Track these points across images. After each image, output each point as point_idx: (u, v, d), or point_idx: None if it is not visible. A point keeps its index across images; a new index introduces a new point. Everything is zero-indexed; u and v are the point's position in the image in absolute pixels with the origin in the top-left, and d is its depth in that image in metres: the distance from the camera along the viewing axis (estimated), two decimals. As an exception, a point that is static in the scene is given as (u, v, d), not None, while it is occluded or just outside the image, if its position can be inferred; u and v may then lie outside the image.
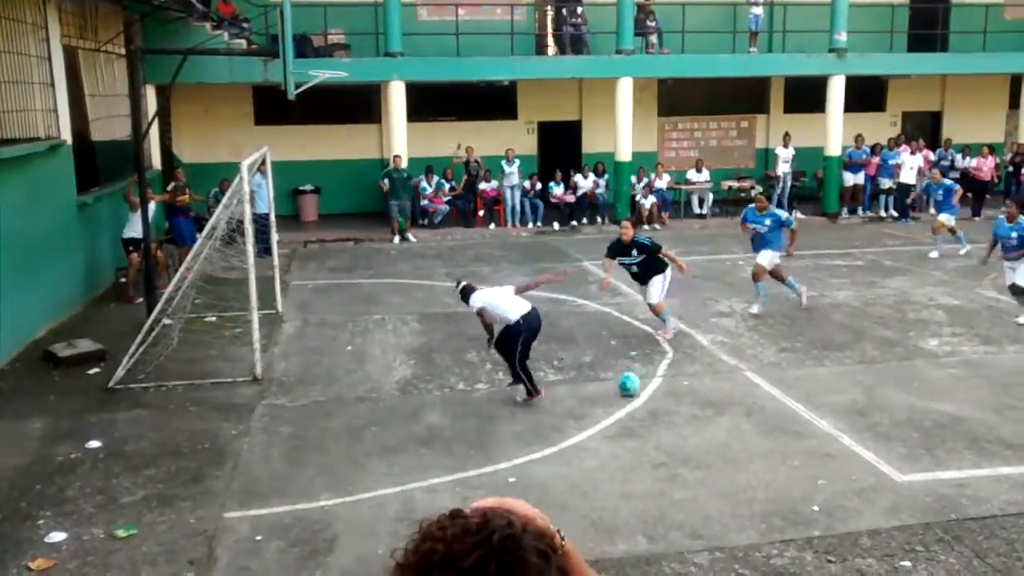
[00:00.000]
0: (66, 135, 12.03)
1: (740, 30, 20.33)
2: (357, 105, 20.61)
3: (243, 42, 16.91)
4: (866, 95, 21.93)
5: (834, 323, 11.03)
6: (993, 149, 20.78)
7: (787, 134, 20.14)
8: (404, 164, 17.86)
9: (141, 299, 11.92)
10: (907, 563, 5.38)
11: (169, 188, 15.05)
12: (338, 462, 6.99)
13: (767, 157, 21.71)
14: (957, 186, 16.02)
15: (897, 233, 18.14)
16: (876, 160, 20.01)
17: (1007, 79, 22.46)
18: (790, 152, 19.85)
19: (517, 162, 19.09)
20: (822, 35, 19.70)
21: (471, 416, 7.99)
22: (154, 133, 16.18)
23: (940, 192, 15.52)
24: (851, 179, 20.03)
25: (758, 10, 20.06)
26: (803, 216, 19.90)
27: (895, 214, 19.77)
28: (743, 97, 22.55)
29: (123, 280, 12.85)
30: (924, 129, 22.88)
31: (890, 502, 6.20)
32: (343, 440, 7.44)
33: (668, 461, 6.93)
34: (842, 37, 19.46)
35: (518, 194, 19.09)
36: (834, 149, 19.91)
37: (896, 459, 6.91)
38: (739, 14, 20.38)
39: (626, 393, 8.41)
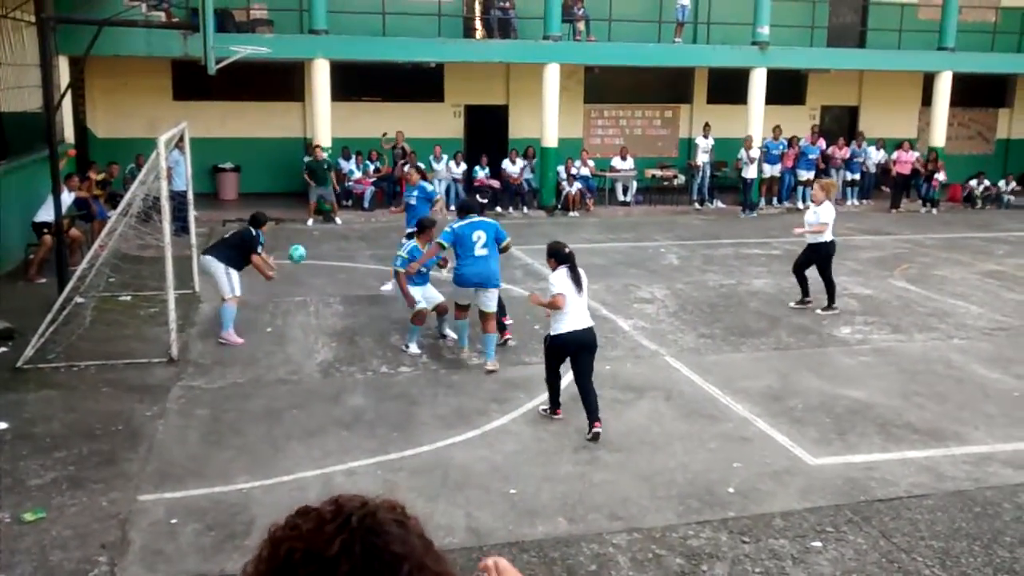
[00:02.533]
0: (-30, 105, 11.54)
1: (666, 20, 20.55)
2: (280, 82, 20.24)
3: (162, 14, 16.37)
4: (786, 88, 22.44)
5: (751, 310, 11.27)
6: (912, 144, 21.45)
7: (707, 124, 20.45)
8: (325, 156, 17.59)
9: (44, 279, 11.57)
10: (818, 543, 5.55)
11: (93, 175, 14.51)
12: (256, 445, 6.88)
13: (690, 146, 22.02)
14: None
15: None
16: (793, 152, 20.48)
17: (920, 77, 23.20)
18: (710, 142, 20.16)
19: (444, 158, 19.02)
20: (746, 28, 20.04)
21: (394, 399, 7.95)
22: (67, 106, 15.61)
23: None
24: (769, 170, 20.46)
25: (685, 1, 20.30)
26: (723, 205, 20.34)
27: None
28: (668, 87, 22.84)
29: (30, 257, 12.37)
30: (841, 123, 23.56)
31: (802, 485, 6.38)
32: (262, 423, 7.33)
33: (589, 444, 7.00)
34: (764, 30, 19.84)
35: (444, 183, 18.98)
36: (755, 141, 20.28)
37: (809, 443, 7.11)
38: (666, 5, 20.59)
39: (294, 260, 10.09)
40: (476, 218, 8.99)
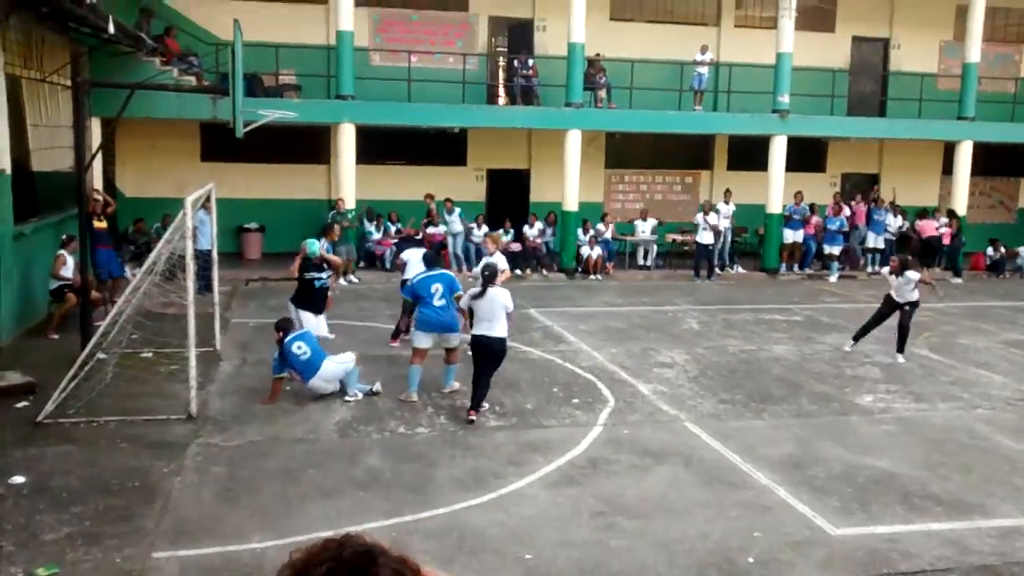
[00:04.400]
0: (5, 164, 11.80)
1: (686, 88, 20.82)
2: (306, 145, 20.58)
3: (192, 78, 16.81)
4: (807, 155, 22.60)
5: (772, 377, 11.19)
6: (953, 213, 21.39)
7: (727, 190, 20.57)
8: (350, 205, 17.84)
9: (57, 336, 11.72)
10: (839, 616, 5.42)
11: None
12: (272, 503, 6.85)
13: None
14: None
15: (835, 291, 18.56)
16: (816, 219, 20.49)
17: (941, 146, 23.30)
18: (730, 208, 20.24)
19: (457, 210, 19.20)
20: (766, 96, 20.26)
21: (410, 460, 7.91)
22: (97, 165, 15.93)
23: None
24: (791, 236, 20.48)
25: (703, 70, 20.61)
26: (744, 271, 20.33)
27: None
28: (688, 153, 23.06)
29: (51, 312, 12.49)
30: (862, 190, 23.57)
31: (823, 555, 6.26)
32: (278, 481, 7.30)
33: (607, 510, 6.92)
34: (785, 99, 20.04)
35: (460, 240, 19.17)
36: (775, 206, 20.39)
37: (830, 512, 7.00)
38: (685, 73, 20.88)
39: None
40: (435, 271, 10.02)
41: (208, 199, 11.94)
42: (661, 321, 14.53)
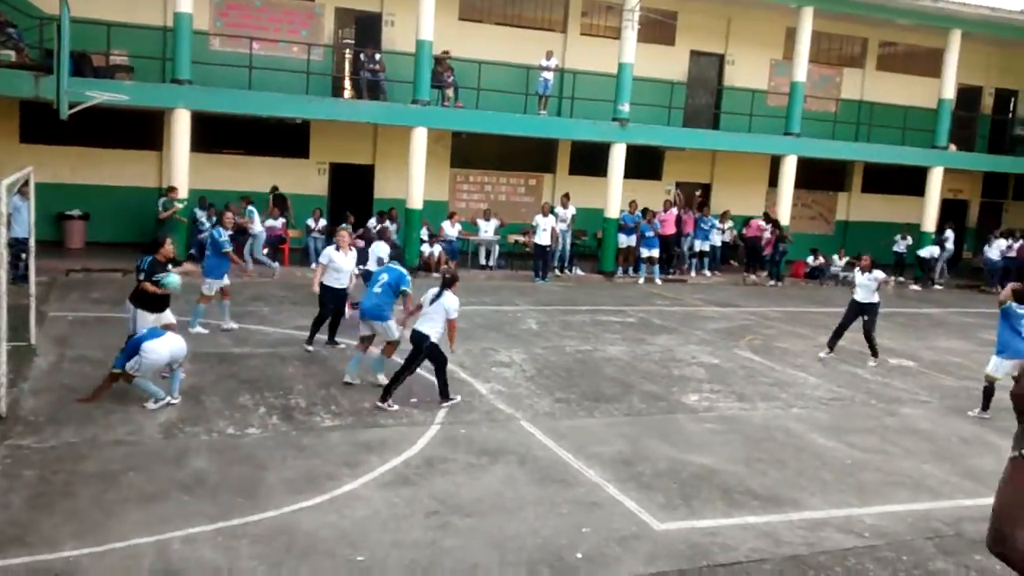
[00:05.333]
0: None
1: (532, 92, 21.15)
2: (137, 131, 19.61)
3: (12, 53, 15.71)
4: (645, 163, 23.42)
5: (605, 376, 11.51)
6: (776, 222, 22.52)
7: (566, 195, 20.99)
8: (183, 195, 17.14)
9: None
10: (661, 608, 5.63)
11: None
12: (88, 509, 6.48)
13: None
14: None
15: (665, 294, 19.28)
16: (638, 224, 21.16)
17: (768, 159, 24.61)
18: (569, 212, 20.64)
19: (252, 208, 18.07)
20: (607, 104, 20.84)
21: (239, 462, 7.66)
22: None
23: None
24: (625, 241, 21.14)
25: (548, 75, 21.00)
26: (583, 273, 20.84)
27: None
28: (532, 156, 23.42)
29: None
30: (687, 198, 24.58)
31: (648, 550, 6.48)
32: (96, 485, 6.92)
33: (441, 509, 6.93)
34: (625, 108, 20.68)
35: (261, 239, 18.15)
36: (613, 211, 21.00)
37: (656, 508, 7.26)
38: (532, 77, 21.21)
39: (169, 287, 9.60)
40: (391, 265, 10.68)
41: (26, 183, 11.19)
42: (501, 321, 14.69)
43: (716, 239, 22.50)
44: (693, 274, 21.96)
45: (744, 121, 23.50)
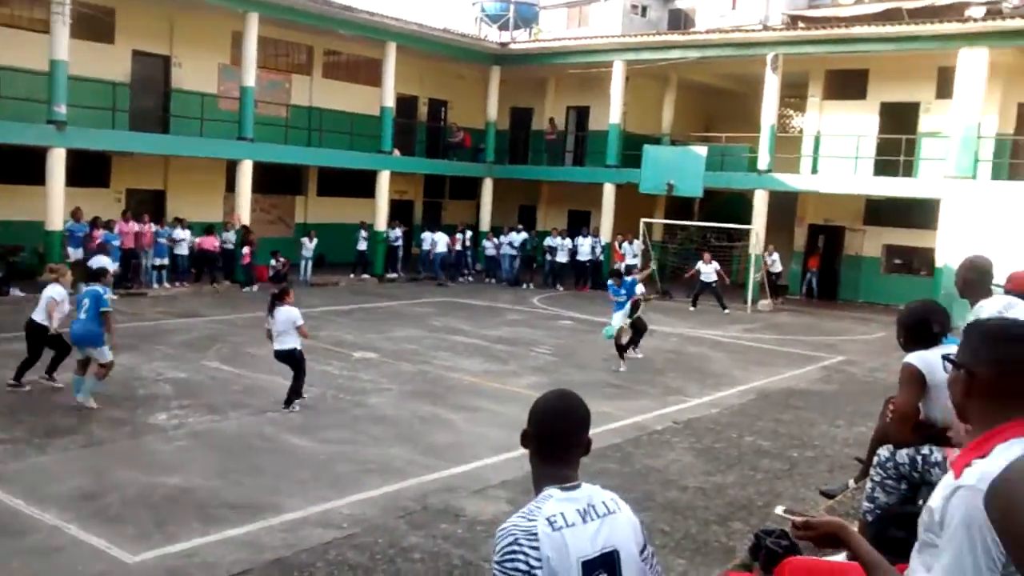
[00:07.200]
0: None
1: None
2: None
3: None
4: (90, 170, 21.68)
5: (59, 407, 10.39)
6: (248, 229, 22.14)
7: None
8: None
9: None
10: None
11: None
12: None
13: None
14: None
15: (124, 309, 18.05)
16: (99, 235, 19.61)
17: (224, 163, 24.30)
18: None
19: None
20: (41, 105, 18.89)
21: None
22: None
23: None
24: (73, 254, 19.35)
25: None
26: (23, 294, 18.60)
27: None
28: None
29: None
30: (149, 206, 23.34)
31: (121, 587, 5.98)
32: None
33: None
34: (61, 109, 18.90)
35: None
36: (56, 223, 19.12)
37: (127, 540, 6.71)
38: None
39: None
40: (92, 287, 10.62)
41: None
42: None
43: (184, 248, 21.62)
44: (155, 286, 20.88)
45: (196, 125, 22.91)
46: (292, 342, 10.70)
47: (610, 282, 14.84)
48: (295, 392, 10.76)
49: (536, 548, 2.40)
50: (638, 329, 14.71)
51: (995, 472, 2.10)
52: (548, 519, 2.44)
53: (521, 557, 2.39)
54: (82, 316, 10.32)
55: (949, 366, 2.50)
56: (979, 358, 2.35)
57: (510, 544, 2.41)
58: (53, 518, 7.08)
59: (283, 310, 10.59)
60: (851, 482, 7.71)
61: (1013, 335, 2.35)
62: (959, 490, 2.19)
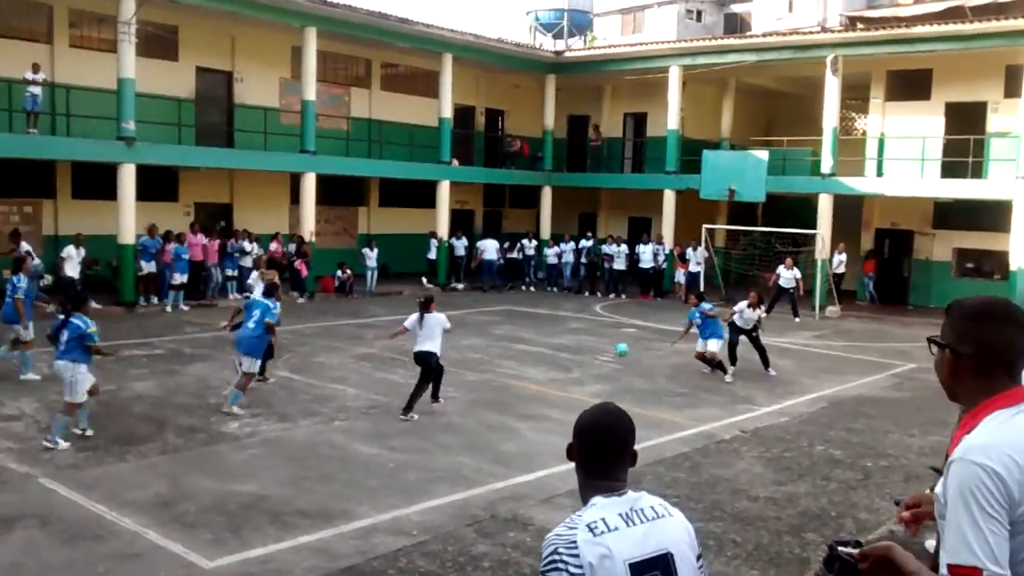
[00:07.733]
0: None
1: (17, 109, 18.90)
2: None
3: None
4: (159, 185, 22.20)
5: (135, 415, 10.66)
6: (302, 239, 22.51)
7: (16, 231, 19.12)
8: None
9: None
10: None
11: None
12: None
13: (57, 244, 20.34)
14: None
15: (195, 320, 18.45)
16: (170, 248, 20.10)
17: (287, 176, 24.71)
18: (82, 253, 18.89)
19: None
20: (110, 122, 19.39)
21: None
22: None
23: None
24: (146, 267, 19.89)
25: (36, 90, 18.89)
26: (99, 306, 19.10)
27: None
28: (28, 180, 20.90)
29: None
30: (217, 219, 23.86)
31: (200, 593, 6.09)
32: None
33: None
34: (130, 125, 19.39)
35: None
36: (128, 237, 19.61)
37: (203, 546, 6.86)
38: (16, 93, 18.96)
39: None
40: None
41: None
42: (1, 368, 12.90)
43: (248, 262, 21.99)
44: (230, 297, 21.25)
45: (259, 139, 23.34)
46: (434, 346, 11.21)
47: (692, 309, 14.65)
48: (415, 396, 11.18)
49: (576, 556, 2.41)
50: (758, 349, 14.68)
51: (975, 444, 2.20)
52: (589, 526, 2.46)
53: (561, 566, 2.42)
54: (250, 325, 11.25)
55: (935, 348, 2.49)
56: (964, 338, 2.38)
57: (551, 555, 2.45)
58: (133, 524, 7.26)
59: (431, 316, 11.20)
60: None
61: (995, 313, 2.38)
62: (952, 464, 2.25)
